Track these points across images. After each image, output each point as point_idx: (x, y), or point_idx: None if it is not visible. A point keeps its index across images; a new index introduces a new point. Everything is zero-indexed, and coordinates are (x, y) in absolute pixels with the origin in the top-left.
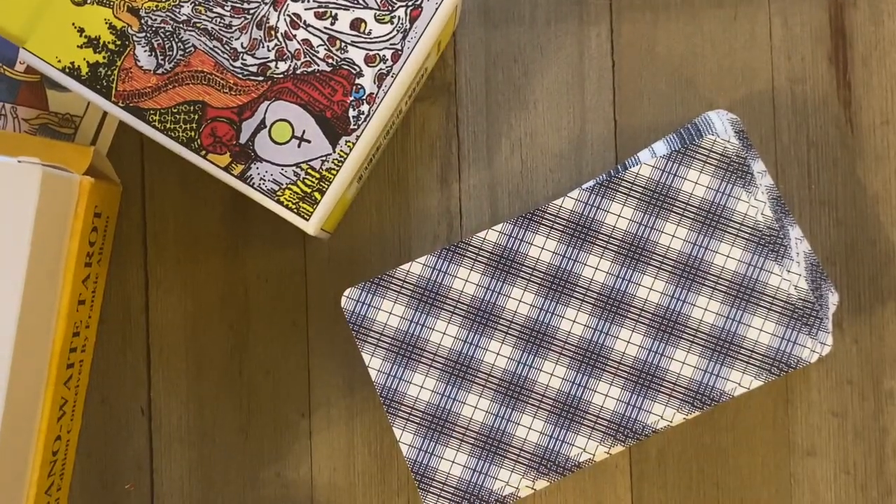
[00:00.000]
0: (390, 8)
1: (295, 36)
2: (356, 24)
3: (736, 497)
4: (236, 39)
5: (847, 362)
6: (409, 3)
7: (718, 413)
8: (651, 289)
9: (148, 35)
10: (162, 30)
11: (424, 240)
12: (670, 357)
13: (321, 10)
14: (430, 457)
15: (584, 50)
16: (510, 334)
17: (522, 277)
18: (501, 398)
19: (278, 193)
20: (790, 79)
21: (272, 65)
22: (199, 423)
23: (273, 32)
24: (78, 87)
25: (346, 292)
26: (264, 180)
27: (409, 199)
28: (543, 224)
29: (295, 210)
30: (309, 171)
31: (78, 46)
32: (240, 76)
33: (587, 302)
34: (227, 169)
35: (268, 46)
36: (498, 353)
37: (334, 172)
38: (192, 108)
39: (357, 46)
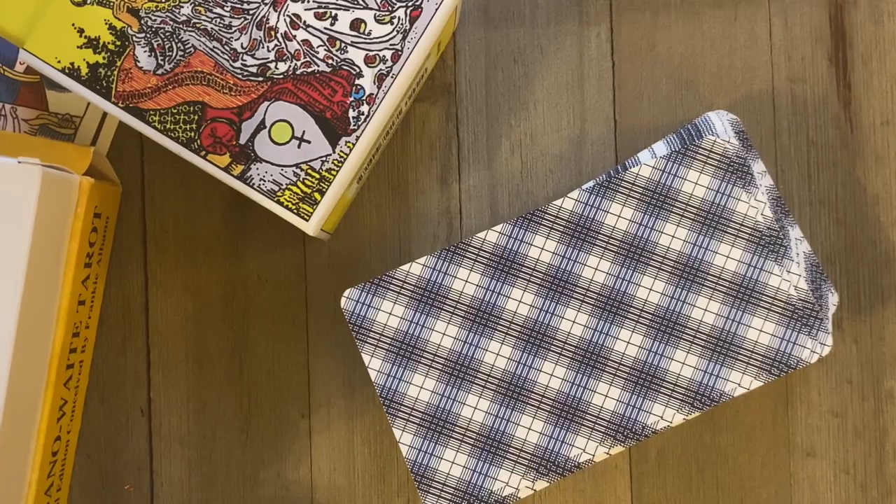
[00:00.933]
0: (390, 8)
1: (295, 36)
2: (356, 25)
3: (736, 497)
4: (236, 40)
5: (847, 362)
6: (409, 4)
7: (718, 413)
8: (651, 289)
9: (148, 35)
10: (162, 30)
11: (424, 240)
12: (670, 357)
13: (321, 10)
14: (429, 457)
15: (583, 50)
16: (510, 335)
17: (522, 278)
18: (501, 399)
19: (278, 194)
20: (790, 79)
21: (272, 65)
22: (199, 423)
23: (273, 33)
24: (78, 88)
25: (346, 293)
26: (264, 181)
27: (408, 199)
28: (543, 224)
29: (295, 210)
30: (309, 171)
31: (78, 47)
32: (239, 77)
33: (587, 302)
34: (226, 169)
35: (268, 47)
36: (498, 354)
37: (334, 173)
38: (191, 108)
39: (357, 47)
